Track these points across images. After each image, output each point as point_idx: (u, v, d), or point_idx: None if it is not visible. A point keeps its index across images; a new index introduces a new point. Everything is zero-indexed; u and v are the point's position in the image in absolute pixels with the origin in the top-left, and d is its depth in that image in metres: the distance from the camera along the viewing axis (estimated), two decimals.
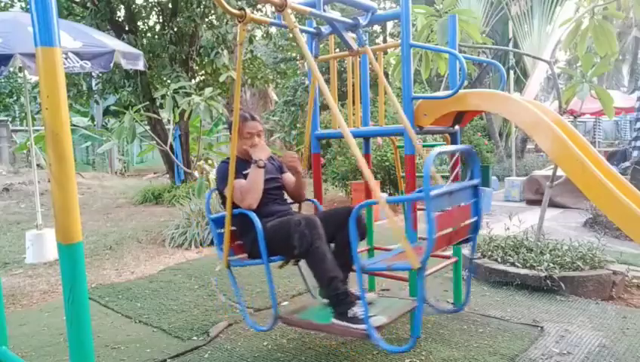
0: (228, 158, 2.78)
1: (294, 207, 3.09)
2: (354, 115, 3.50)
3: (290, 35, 15.71)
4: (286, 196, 3.05)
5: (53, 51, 1.50)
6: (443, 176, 2.94)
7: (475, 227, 2.54)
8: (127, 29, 9.26)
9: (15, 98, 15.43)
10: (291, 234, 2.46)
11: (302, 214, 2.80)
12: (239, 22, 2.36)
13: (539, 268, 3.59)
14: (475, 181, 2.49)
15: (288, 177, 3.05)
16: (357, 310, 2.38)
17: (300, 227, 2.45)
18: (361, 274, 2.29)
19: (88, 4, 8.71)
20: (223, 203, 2.80)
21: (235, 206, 2.65)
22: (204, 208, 5.84)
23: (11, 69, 5.51)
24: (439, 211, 2.19)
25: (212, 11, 9.10)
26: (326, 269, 2.43)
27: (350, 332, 2.38)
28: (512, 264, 3.77)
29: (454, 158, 2.88)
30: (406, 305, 2.63)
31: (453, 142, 3.35)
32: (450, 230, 2.29)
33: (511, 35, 11.68)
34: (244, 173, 2.74)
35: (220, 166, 2.84)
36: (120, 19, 9.44)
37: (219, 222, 2.78)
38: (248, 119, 2.84)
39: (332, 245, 2.70)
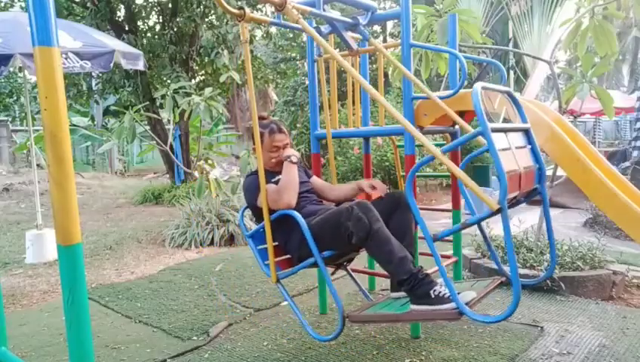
0: (253, 172, 2.68)
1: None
2: (354, 115, 3.49)
3: (291, 35, 15.71)
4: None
5: (51, 51, 1.49)
6: (443, 176, 2.93)
7: (540, 176, 2.24)
8: (127, 29, 9.26)
9: (15, 98, 15.43)
10: (343, 223, 2.27)
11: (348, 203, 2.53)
12: (239, 21, 2.36)
13: (539, 268, 3.59)
14: (527, 125, 2.25)
15: (317, 180, 2.97)
16: (440, 289, 2.10)
17: (353, 213, 2.25)
18: (434, 245, 2.01)
19: (88, 4, 8.71)
20: (258, 219, 2.66)
21: (271, 212, 2.45)
22: (204, 208, 5.84)
23: (11, 69, 5.51)
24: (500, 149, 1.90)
25: (212, 11, 9.09)
26: (393, 251, 2.20)
27: (437, 314, 2.10)
28: None
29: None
30: (492, 282, 2.42)
31: None
32: (517, 170, 2.02)
33: (511, 35, 11.67)
34: (273, 180, 2.60)
35: (247, 180, 2.69)
36: (120, 19, 9.44)
37: (257, 238, 2.61)
38: (275, 131, 2.69)
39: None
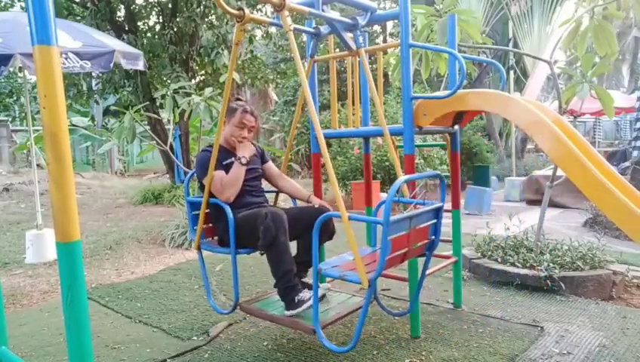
0: (209, 146, 2.84)
1: (270, 198, 3.19)
2: (354, 115, 3.49)
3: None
4: (263, 185, 3.08)
5: (51, 50, 1.49)
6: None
7: (431, 245, 2.53)
8: (127, 29, 9.26)
9: (15, 98, 15.43)
10: (257, 227, 2.52)
11: (271, 208, 2.81)
12: (238, 22, 2.36)
13: (539, 268, 3.59)
14: (439, 204, 2.48)
15: (270, 167, 3.10)
16: (303, 294, 2.49)
17: (266, 220, 2.48)
18: (317, 276, 2.29)
19: (88, 4, 8.71)
20: (201, 189, 2.86)
21: (212, 195, 2.74)
22: None
23: (11, 69, 5.51)
24: (396, 235, 2.16)
25: (212, 11, 9.09)
26: (283, 262, 2.52)
27: (298, 326, 2.46)
28: (512, 264, 3.77)
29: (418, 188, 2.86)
30: (356, 304, 2.66)
31: (453, 142, 3.35)
32: (404, 250, 2.29)
33: (511, 35, 11.68)
34: (224, 163, 2.78)
35: (202, 154, 2.85)
36: (120, 19, 9.44)
37: (195, 205, 2.90)
38: (248, 112, 2.88)
39: (300, 240, 2.84)
